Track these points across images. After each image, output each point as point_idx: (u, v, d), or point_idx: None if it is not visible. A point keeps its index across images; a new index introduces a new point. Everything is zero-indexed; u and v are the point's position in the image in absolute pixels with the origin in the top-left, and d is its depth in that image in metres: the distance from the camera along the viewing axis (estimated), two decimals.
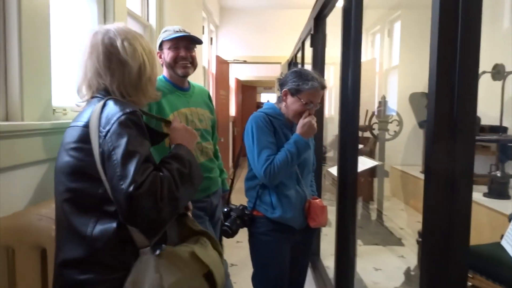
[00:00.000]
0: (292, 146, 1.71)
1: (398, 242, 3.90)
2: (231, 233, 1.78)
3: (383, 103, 4.21)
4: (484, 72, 3.92)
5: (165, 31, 1.89)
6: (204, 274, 1.08)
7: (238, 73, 8.89)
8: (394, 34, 5.98)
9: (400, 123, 4.26)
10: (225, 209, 1.85)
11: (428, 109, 1.16)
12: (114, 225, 0.95)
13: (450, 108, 1.11)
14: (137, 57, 1.07)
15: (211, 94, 6.59)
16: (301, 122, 1.74)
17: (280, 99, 1.83)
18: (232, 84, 8.37)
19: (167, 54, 1.86)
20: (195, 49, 1.93)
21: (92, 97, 1.07)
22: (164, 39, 1.87)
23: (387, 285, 3.01)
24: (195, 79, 4.52)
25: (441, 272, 1.14)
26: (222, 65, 6.19)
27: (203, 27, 5.45)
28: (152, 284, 0.96)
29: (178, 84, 1.92)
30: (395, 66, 5.94)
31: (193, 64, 1.91)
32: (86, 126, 0.98)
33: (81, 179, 0.97)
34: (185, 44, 1.86)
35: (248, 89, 10.52)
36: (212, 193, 1.98)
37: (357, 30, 2.14)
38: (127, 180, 0.89)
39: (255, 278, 1.86)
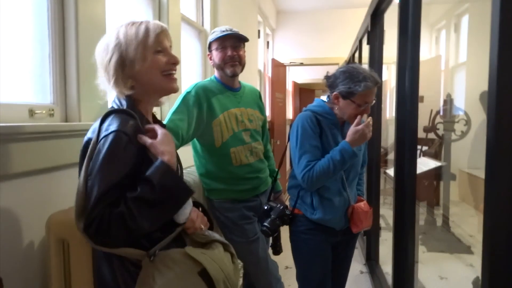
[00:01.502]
0: (337, 154, 1.62)
1: (467, 249, 3.63)
2: (270, 233, 1.75)
3: (448, 101, 3.95)
4: None
5: (213, 32, 1.93)
6: (200, 272, 1.07)
7: (295, 76, 8.85)
8: (461, 29, 5.60)
9: (468, 122, 3.96)
10: (266, 207, 1.81)
11: (489, 108, 1.05)
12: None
13: None
14: (110, 50, 1.07)
15: (267, 97, 6.54)
16: (354, 129, 1.63)
17: (330, 100, 1.74)
18: (289, 87, 8.35)
19: (216, 55, 1.90)
20: (243, 48, 1.94)
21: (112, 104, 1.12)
22: (211, 41, 1.91)
23: None
24: (251, 82, 4.57)
25: (506, 283, 1.03)
26: (279, 68, 6.20)
27: (259, 31, 5.49)
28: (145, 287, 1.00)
29: (229, 84, 1.95)
30: (463, 63, 5.56)
31: (241, 63, 1.92)
32: (88, 141, 1.03)
33: None
34: (232, 43, 1.88)
35: (306, 92, 10.42)
36: (261, 193, 1.99)
37: (415, 26, 2.02)
38: (84, 213, 0.94)
39: (299, 277, 1.83)
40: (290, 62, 6.84)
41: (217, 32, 1.90)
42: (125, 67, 1.06)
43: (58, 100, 1.43)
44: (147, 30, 1.08)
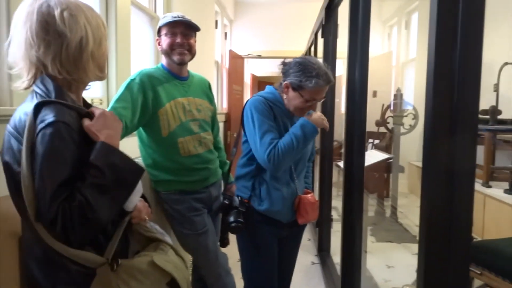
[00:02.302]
0: (298, 130, 1.59)
1: (413, 239, 3.79)
2: (243, 226, 1.67)
3: (398, 96, 4.09)
4: (506, 64, 3.76)
5: (164, 17, 1.86)
6: (169, 282, 1.05)
7: (254, 69, 8.84)
8: (411, 25, 5.81)
9: (416, 116, 4.13)
10: (226, 201, 1.74)
11: (426, 100, 1.09)
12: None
13: (449, 97, 1.04)
14: (78, 29, 0.96)
15: (224, 89, 6.49)
16: (317, 113, 1.67)
17: (281, 87, 1.70)
18: (248, 80, 8.33)
19: (164, 41, 1.83)
20: (194, 37, 1.89)
21: (34, 88, 1.00)
22: (160, 25, 1.84)
23: (399, 282, 2.92)
24: (207, 73, 4.50)
25: (440, 267, 1.07)
26: (236, 60, 6.15)
27: (216, 21, 5.42)
28: None
29: (176, 72, 1.88)
30: (412, 59, 5.78)
31: (191, 51, 1.86)
32: (15, 130, 0.94)
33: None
34: (182, 30, 1.81)
35: (265, 85, 10.42)
36: (211, 184, 1.95)
37: (365, 21, 2.05)
38: (42, 216, 0.88)
39: (245, 272, 1.79)
40: (248, 54, 6.81)
41: (167, 17, 1.83)
42: (96, 48, 1.01)
43: None
44: (103, 23, 1.06)
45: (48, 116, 0.91)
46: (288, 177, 1.72)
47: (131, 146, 1.86)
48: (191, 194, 1.87)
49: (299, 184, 1.77)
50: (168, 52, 1.83)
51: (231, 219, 1.67)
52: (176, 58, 1.82)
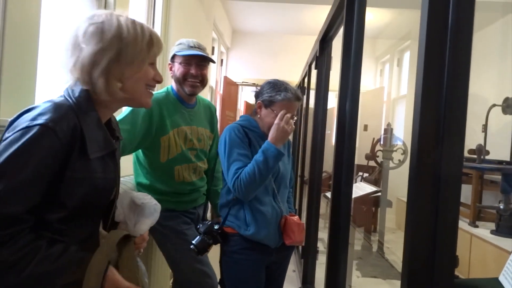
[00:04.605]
0: (260, 155, 1.59)
1: (399, 275, 3.74)
2: (197, 252, 1.67)
3: (388, 130, 4.13)
4: (494, 105, 3.84)
5: (179, 44, 1.85)
6: None
7: (248, 97, 8.93)
8: (403, 63, 5.96)
9: (405, 152, 4.16)
10: (198, 226, 1.76)
11: (413, 121, 1.10)
12: None
13: (434, 136, 1.05)
14: (95, 42, 0.92)
15: (217, 114, 6.53)
16: (272, 127, 1.64)
17: (255, 112, 1.77)
18: (241, 107, 8.39)
19: (178, 69, 1.82)
20: (207, 66, 1.89)
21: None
22: (176, 53, 1.83)
23: None
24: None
25: None
26: (231, 86, 6.22)
27: (213, 47, 5.50)
28: None
29: (185, 99, 1.89)
30: (403, 96, 5.89)
31: (203, 83, 1.86)
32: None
33: None
34: (197, 61, 1.81)
35: None
36: (199, 205, 1.98)
37: (357, 56, 2.08)
38: None
39: None
40: (243, 82, 6.89)
41: (184, 45, 1.82)
42: (117, 66, 0.95)
43: None
44: (151, 38, 1.01)
45: (41, 116, 0.83)
46: (271, 199, 1.73)
47: (125, 163, 1.84)
48: (182, 212, 1.89)
49: (283, 205, 1.78)
50: (180, 81, 1.83)
51: (192, 241, 1.68)
52: (187, 89, 1.83)
